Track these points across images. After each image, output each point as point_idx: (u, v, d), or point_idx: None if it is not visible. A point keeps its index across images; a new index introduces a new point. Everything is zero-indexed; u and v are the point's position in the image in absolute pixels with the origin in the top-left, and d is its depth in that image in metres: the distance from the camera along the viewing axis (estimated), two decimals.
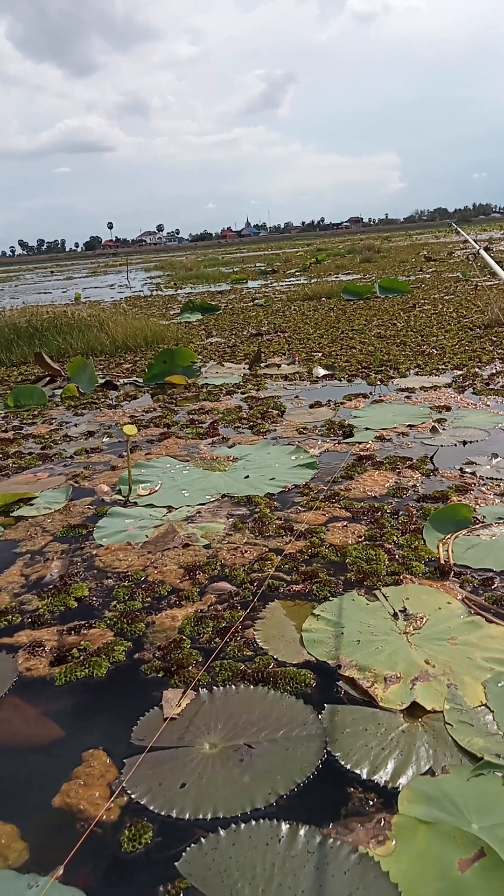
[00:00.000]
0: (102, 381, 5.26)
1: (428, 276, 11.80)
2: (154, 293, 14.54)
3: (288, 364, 5.37)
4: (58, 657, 1.70)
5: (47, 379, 5.65)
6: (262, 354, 5.68)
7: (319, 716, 1.42)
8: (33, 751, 1.42)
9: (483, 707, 1.40)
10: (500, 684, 1.46)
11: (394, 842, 1.11)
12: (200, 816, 1.20)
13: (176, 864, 1.11)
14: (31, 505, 2.75)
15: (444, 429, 3.31)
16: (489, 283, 9.43)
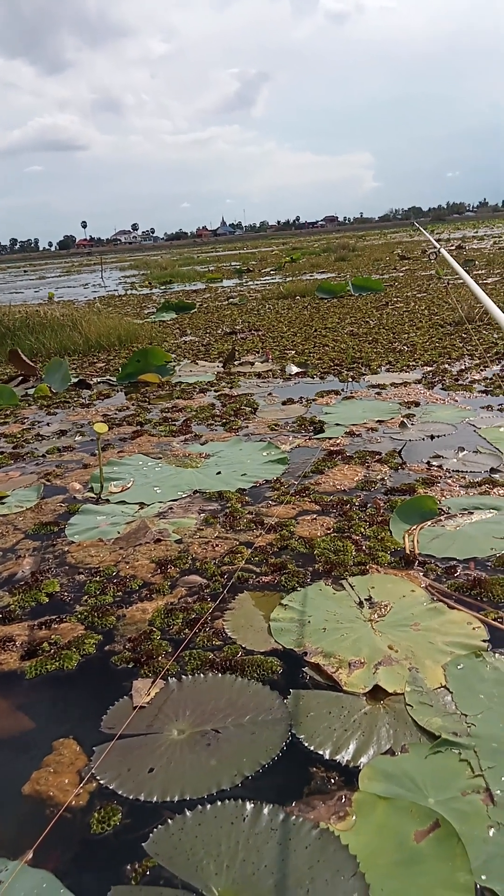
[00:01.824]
0: (76, 380, 5.25)
1: (401, 274, 11.93)
2: (129, 292, 14.50)
3: (261, 362, 5.41)
4: (28, 651, 1.72)
5: (20, 378, 5.62)
6: (236, 353, 5.71)
7: (285, 701, 1.46)
8: (3, 742, 1.44)
9: (442, 689, 1.45)
10: (459, 667, 1.52)
11: (354, 817, 1.16)
12: (168, 799, 1.23)
13: (143, 844, 1.14)
14: (3, 503, 2.75)
15: (412, 424, 3.37)
16: (460, 281, 9.57)
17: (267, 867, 1.08)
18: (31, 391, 5.14)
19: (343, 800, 1.20)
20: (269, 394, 4.35)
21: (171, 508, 2.58)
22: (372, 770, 1.25)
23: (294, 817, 1.16)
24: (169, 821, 1.18)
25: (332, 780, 1.24)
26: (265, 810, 1.18)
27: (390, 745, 1.31)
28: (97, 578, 2.07)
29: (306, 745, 1.33)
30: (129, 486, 2.84)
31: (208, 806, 1.20)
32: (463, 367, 4.52)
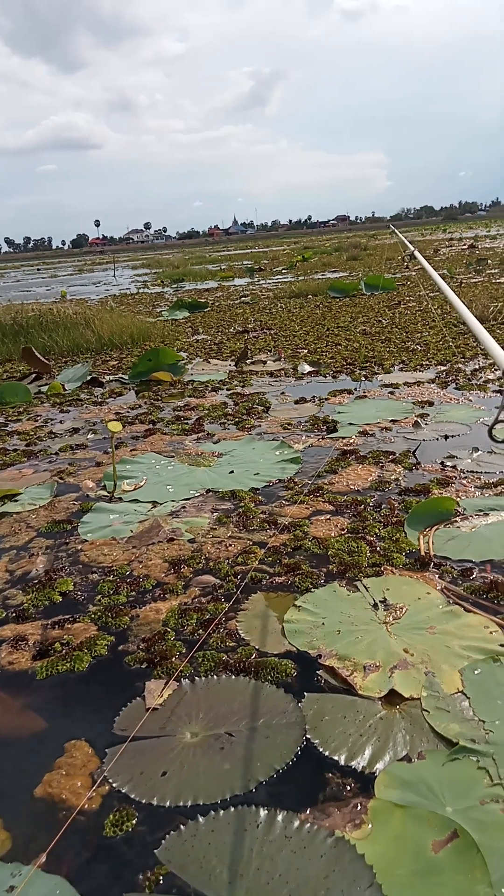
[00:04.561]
0: (88, 378, 5.25)
1: (413, 273, 11.85)
2: (141, 291, 14.51)
3: (274, 361, 5.39)
4: (41, 651, 1.71)
5: (33, 376, 5.63)
6: (249, 351, 5.69)
7: (299, 704, 1.44)
8: (15, 742, 1.43)
9: (459, 694, 1.43)
10: (476, 672, 1.49)
11: (370, 825, 1.14)
12: (181, 804, 1.21)
13: (156, 851, 1.13)
14: (16, 501, 2.75)
15: (426, 424, 3.34)
16: (473, 280, 9.50)
17: (281, 876, 1.06)
18: (43, 389, 5.15)
19: (359, 807, 1.17)
20: (282, 393, 4.33)
21: (183, 507, 2.57)
22: (388, 777, 1.23)
23: (309, 825, 1.14)
24: (182, 827, 1.17)
25: (348, 787, 1.22)
26: (279, 817, 1.16)
27: (407, 752, 1.29)
28: (110, 578, 2.05)
29: (321, 750, 1.31)
30: (141, 484, 2.83)
31: (221, 812, 1.19)
32: (477, 367, 4.48)
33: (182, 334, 7.31)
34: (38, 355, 5.77)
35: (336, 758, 1.28)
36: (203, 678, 1.55)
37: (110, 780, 1.28)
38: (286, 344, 6.01)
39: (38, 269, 37.00)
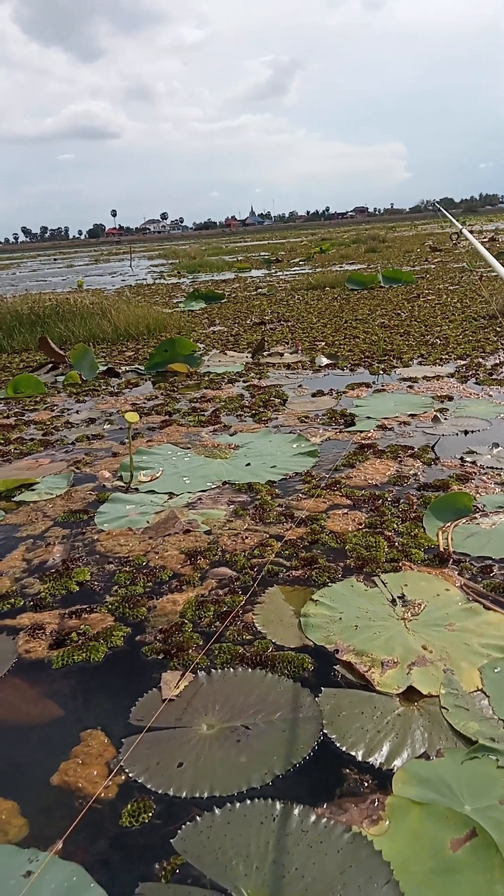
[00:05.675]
0: (104, 368, 5.26)
1: (433, 266, 11.74)
2: (157, 281, 14.51)
3: (291, 353, 5.36)
4: (57, 640, 1.71)
5: (50, 366, 5.66)
6: (265, 343, 5.67)
7: (316, 699, 1.43)
8: (32, 730, 1.44)
9: (479, 692, 1.41)
10: (496, 670, 1.47)
11: (387, 822, 1.13)
12: (197, 795, 1.21)
13: (172, 841, 1.13)
14: (33, 490, 2.76)
15: (445, 418, 3.31)
16: (493, 273, 9.39)
17: (297, 870, 1.06)
18: (60, 378, 5.17)
19: (376, 803, 1.17)
20: (299, 385, 4.31)
21: (200, 499, 2.57)
22: (406, 774, 1.22)
23: (325, 819, 1.14)
24: (198, 818, 1.16)
25: (365, 783, 1.22)
26: (296, 811, 1.16)
27: (425, 749, 1.28)
28: (127, 568, 2.06)
29: (338, 745, 1.30)
30: (158, 475, 2.83)
31: (237, 804, 1.18)
32: (498, 361, 4.43)
33: (198, 325, 7.30)
34: (53, 346, 5.79)
35: (353, 753, 1.28)
36: (219, 670, 1.54)
37: (126, 770, 1.28)
38: (303, 336, 5.98)
39: (55, 259, 37.11)
